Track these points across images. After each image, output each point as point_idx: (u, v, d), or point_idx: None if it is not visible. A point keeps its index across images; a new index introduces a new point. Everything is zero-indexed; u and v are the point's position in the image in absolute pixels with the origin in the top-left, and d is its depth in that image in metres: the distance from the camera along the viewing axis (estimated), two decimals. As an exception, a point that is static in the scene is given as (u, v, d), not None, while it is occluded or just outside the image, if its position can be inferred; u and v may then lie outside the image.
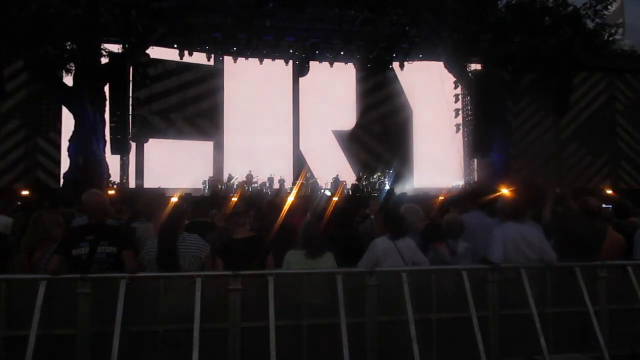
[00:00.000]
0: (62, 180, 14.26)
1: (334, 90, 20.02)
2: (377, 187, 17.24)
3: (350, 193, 16.62)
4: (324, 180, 18.08)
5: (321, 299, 3.80)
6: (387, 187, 16.78)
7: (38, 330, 3.25)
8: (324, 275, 3.88)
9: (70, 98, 13.26)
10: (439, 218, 4.95)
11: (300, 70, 19.61)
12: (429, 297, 3.81)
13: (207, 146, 19.06)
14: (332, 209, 4.80)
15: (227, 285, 3.62)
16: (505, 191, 5.28)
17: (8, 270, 3.69)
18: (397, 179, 17.76)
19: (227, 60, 19.19)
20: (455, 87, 20.00)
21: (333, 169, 18.62)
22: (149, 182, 16.43)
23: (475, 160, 19.12)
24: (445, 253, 4.14)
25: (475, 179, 19.03)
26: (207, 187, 17.00)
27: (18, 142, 16.15)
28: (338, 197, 7.43)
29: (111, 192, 12.44)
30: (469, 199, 5.29)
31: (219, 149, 18.93)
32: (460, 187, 17.76)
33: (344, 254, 4.08)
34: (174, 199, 5.70)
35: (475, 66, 17.77)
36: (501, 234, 3.98)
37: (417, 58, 19.21)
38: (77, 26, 11.27)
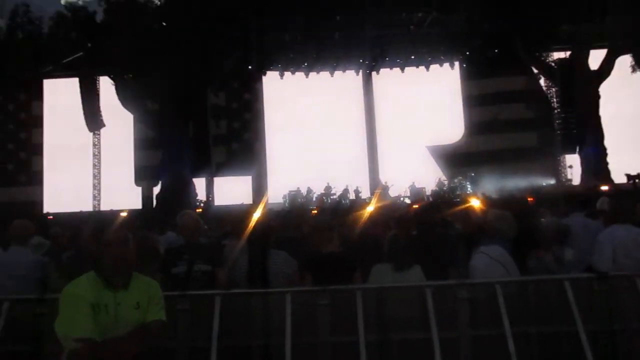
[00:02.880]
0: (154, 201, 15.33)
1: (408, 95, 19.69)
2: (458, 191, 16.61)
3: (431, 200, 16.17)
4: (402, 188, 17.75)
5: (411, 313, 3.71)
6: (469, 190, 16.13)
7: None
8: (412, 288, 3.79)
9: (159, 124, 14.27)
10: (533, 222, 4.64)
11: (373, 68, 19.51)
12: (527, 309, 3.57)
13: (284, 159, 19.51)
14: (416, 219, 4.68)
15: (315, 300, 3.64)
16: (606, 189, 4.84)
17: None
18: (478, 181, 17.02)
19: (299, 75, 19.60)
20: (538, 80, 18.80)
21: (409, 175, 18.20)
22: (229, 199, 17.09)
23: (566, 156, 17.80)
24: (551, 261, 3.83)
25: (568, 177, 17.69)
26: (287, 201, 17.37)
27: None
28: (420, 206, 7.24)
29: (199, 210, 13.13)
30: (566, 200, 4.91)
31: (260, 173, 19.15)
32: (552, 186, 16.59)
33: (431, 266, 3.96)
34: (258, 215, 5.87)
35: (558, 54, 16.63)
36: (608, 238, 3.63)
37: (492, 53, 18.38)
38: (164, 58, 12.19)
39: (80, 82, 16.99)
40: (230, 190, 17.49)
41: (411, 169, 18.60)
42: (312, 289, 3.73)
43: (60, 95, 19.03)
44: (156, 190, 16.10)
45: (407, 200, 15.77)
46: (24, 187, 18.94)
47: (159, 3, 13.59)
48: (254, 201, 15.59)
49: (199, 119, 15.18)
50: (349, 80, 19.94)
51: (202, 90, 14.77)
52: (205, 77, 14.96)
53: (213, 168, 16.11)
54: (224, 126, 17.80)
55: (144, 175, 17.62)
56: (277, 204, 16.66)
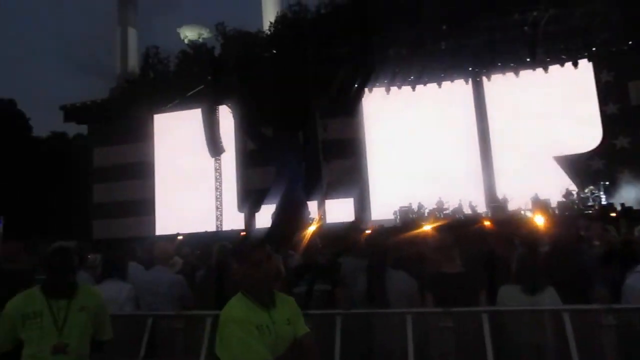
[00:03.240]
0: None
1: (524, 100, 18.31)
2: (590, 203, 14.88)
3: (557, 212, 14.73)
4: (522, 201, 16.44)
5: (545, 340, 3.38)
6: (604, 201, 14.39)
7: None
8: (546, 312, 3.45)
9: (271, 147, 15.02)
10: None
11: (484, 74, 18.56)
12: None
13: (392, 175, 19.27)
14: (546, 234, 4.28)
15: (438, 322, 3.50)
16: None
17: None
18: (614, 190, 15.19)
19: (405, 89, 19.36)
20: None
21: (530, 187, 16.80)
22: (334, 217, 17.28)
23: None
24: None
25: None
26: (398, 217, 17.11)
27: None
28: (550, 220, 6.65)
29: (312, 229, 13.43)
30: None
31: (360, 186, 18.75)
32: None
33: (567, 287, 3.58)
34: (368, 232, 5.81)
35: None
36: None
37: (626, 45, 16.40)
38: (275, 83, 12.93)
39: (202, 112, 18.65)
40: (334, 208, 17.75)
41: (532, 180, 17.19)
42: (434, 310, 3.59)
43: (171, 128, 21.39)
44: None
45: (529, 214, 14.57)
46: (142, 211, 21.30)
47: (269, 32, 14.48)
48: (359, 218, 15.57)
49: (310, 140, 15.68)
50: (458, 89, 19.24)
51: (312, 113, 15.27)
52: (314, 100, 15.45)
53: (324, 189, 16.46)
54: (332, 147, 18.14)
55: (247, 200, 18.60)
56: (387, 221, 16.49)
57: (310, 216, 15.65)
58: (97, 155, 22.81)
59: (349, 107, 18.22)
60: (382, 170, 19.52)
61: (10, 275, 4.84)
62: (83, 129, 24.76)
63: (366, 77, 17.01)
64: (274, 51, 14.57)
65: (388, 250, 4.04)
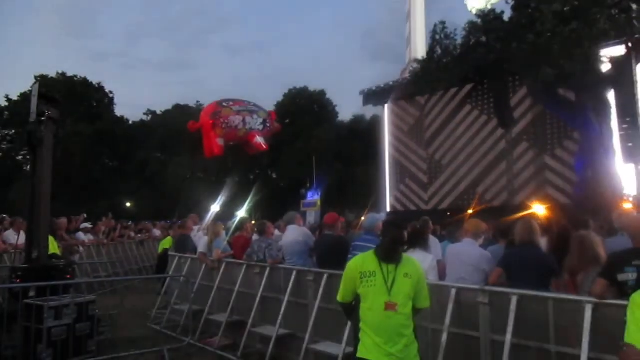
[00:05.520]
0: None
1: None
2: None
3: None
4: None
5: None
6: None
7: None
8: None
9: (573, 113, 13.14)
10: None
11: None
12: None
13: None
14: None
15: None
16: None
17: (555, 289, 3.93)
18: None
19: None
20: None
21: None
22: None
23: None
24: None
25: None
26: None
27: (528, 162, 17.87)
28: None
29: (628, 206, 11.25)
30: None
31: None
32: None
33: None
34: None
35: None
36: None
37: None
38: (574, 42, 11.13)
39: (490, 84, 17.74)
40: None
41: None
42: None
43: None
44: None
45: None
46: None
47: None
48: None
49: (624, 100, 12.98)
50: None
51: (625, 68, 12.52)
52: (627, 54, 12.67)
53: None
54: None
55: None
56: None
57: (625, 191, 13.03)
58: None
59: None
60: None
61: (331, 239, 5.92)
62: (379, 110, 27.21)
63: None
64: (576, 2, 12.46)
65: None
